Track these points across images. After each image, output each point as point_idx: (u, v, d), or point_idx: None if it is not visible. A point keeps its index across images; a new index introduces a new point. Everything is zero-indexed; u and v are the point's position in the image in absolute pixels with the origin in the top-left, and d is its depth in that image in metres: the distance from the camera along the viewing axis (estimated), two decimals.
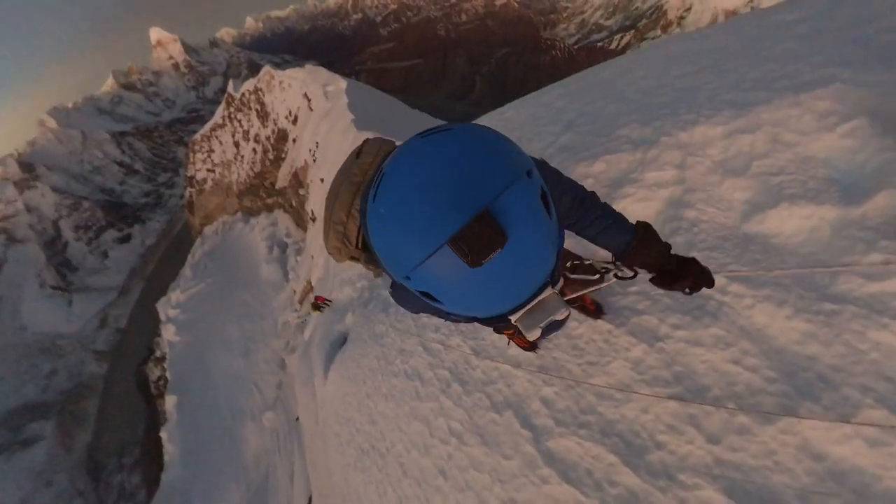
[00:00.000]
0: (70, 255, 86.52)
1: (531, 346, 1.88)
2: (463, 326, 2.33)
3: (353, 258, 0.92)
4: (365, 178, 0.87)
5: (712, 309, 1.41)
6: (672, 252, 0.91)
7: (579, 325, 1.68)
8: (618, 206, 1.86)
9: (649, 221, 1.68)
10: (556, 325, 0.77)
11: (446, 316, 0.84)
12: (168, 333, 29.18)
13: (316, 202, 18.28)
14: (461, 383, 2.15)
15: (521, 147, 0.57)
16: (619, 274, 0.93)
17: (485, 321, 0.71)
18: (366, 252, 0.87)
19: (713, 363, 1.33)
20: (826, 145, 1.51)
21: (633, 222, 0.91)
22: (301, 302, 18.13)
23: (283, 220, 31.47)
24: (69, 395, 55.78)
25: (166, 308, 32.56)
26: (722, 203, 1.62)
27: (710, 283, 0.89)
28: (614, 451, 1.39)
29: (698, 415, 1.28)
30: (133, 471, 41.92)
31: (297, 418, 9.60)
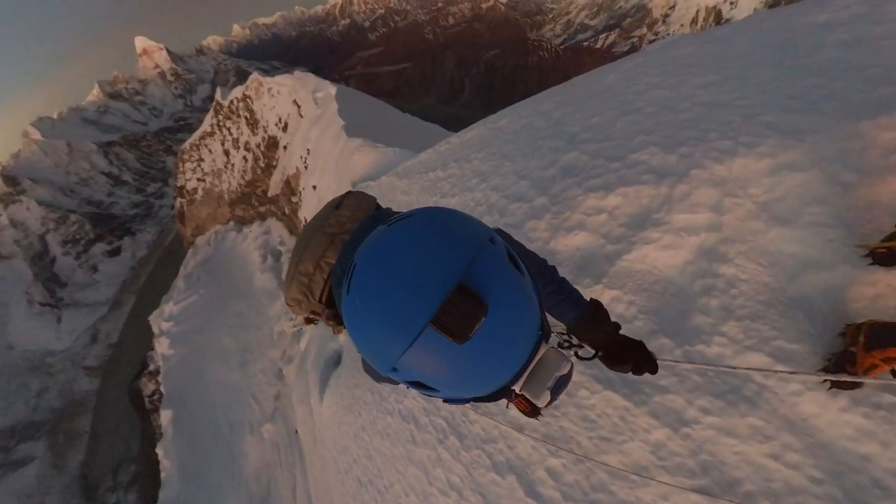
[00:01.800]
0: (58, 269, 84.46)
1: (534, 412, 1.77)
2: None
3: (313, 313, 0.88)
4: (341, 230, 0.85)
5: (751, 393, 1.21)
6: (621, 332, 0.93)
7: (591, 396, 1.53)
8: (640, 252, 1.66)
9: (677, 271, 1.54)
10: (564, 382, 0.71)
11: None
12: (161, 347, 28.58)
13: (309, 209, 18.04)
14: (459, 436, 2.01)
15: (479, 220, 0.57)
16: (580, 353, 0.96)
17: (487, 398, 0.68)
18: (329, 308, 0.84)
19: (747, 455, 1.15)
20: (894, 189, 1.23)
21: (588, 300, 0.94)
22: None
23: (277, 228, 31.09)
24: (60, 413, 54.28)
25: (159, 321, 31.91)
26: (765, 258, 1.34)
27: (653, 370, 0.93)
28: None
29: None
30: (129, 489, 40.87)
31: (297, 431, 9.36)
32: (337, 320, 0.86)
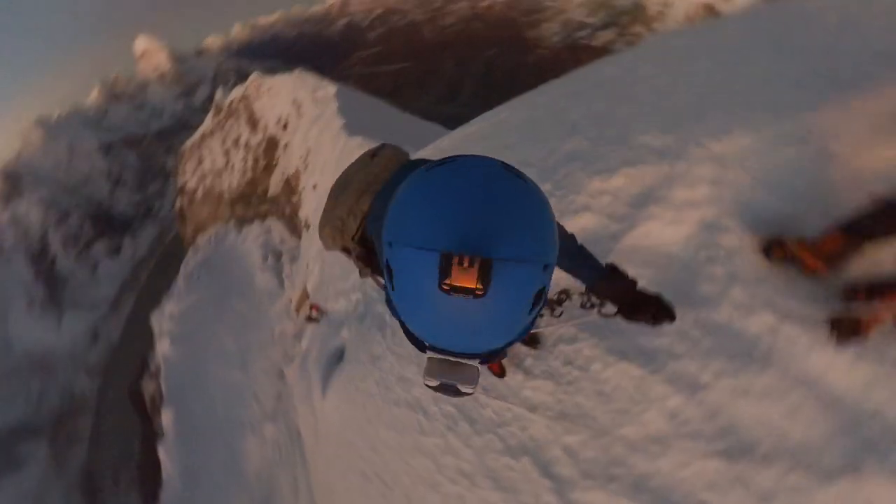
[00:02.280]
0: (58, 269, 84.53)
1: (501, 373, 1.85)
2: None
3: (345, 249, 0.93)
4: (374, 181, 0.88)
5: (761, 353, 1.27)
6: (639, 288, 1.00)
7: (605, 369, 1.55)
8: (644, 229, 1.74)
9: (681, 245, 1.65)
10: (453, 392, 0.70)
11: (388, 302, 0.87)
12: (162, 347, 28.56)
13: (309, 209, 18.04)
14: (469, 422, 2.00)
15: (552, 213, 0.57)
16: (603, 311, 1.03)
17: (408, 334, 0.70)
18: (360, 247, 0.88)
19: (763, 416, 1.20)
20: (882, 159, 1.34)
21: (605, 263, 1.01)
22: (297, 310, 17.84)
23: (277, 227, 31.08)
24: (61, 413, 54.33)
25: (160, 321, 31.89)
26: (763, 226, 1.48)
27: (671, 317, 0.98)
28: None
29: (746, 473, 1.16)
30: (130, 490, 40.87)
31: (299, 430, 9.36)
32: (365, 261, 0.89)
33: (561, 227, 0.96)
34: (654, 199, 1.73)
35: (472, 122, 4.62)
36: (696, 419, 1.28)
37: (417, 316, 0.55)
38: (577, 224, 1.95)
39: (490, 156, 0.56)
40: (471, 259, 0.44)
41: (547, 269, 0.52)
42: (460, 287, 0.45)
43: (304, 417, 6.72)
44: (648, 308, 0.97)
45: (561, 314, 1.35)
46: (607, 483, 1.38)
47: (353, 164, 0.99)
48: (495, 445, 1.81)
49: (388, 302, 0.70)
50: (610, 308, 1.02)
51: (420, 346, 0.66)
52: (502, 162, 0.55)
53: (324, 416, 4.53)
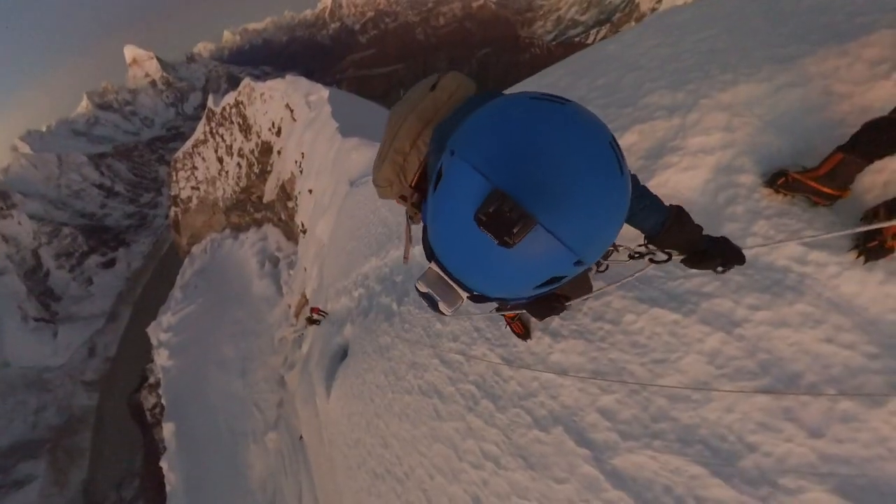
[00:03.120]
0: (52, 284, 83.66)
1: (526, 334, 1.82)
2: (488, 334, 2.11)
3: (401, 197, 0.85)
4: (437, 115, 0.81)
5: (793, 282, 1.24)
6: (705, 233, 0.92)
7: (637, 319, 1.48)
8: (661, 178, 1.72)
9: (699, 191, 1.63)
10: (433, 306, 0.72)
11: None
12: (161, 358, 28.29)
13: (305, 214, 17.95)
14: (492, 398, 1.90)
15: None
16: (653, 258, 0.93)
17: (426, 248, 0.71)
18: (418, 192, 0.82)
19: (803, 345, 1.15)
20: (883, 94, 1.37)
21: (669, 205, 0.91)
22: (297, 316, 17.72)
23: (273, 233, 30.93)
24: (60, 430, 53.63)
25: (157, 332, 31.60)
26: (778, 163, 1.46)
27: (741, 260, 0.91)
28: (698, 461, 1.20)
29: (794, 407, 1.11)
30: None
31: (301, 437, 9.26)
32: (421, 209, 0.81)
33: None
34: (670, 150, 1.72)
35: None
36: (736, 357, 1.23)
37: (441, 227, 0.54)
38: None
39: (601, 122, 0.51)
40: (519, 211, 0.42)
41: (578, 265, 0.50)
42: (492, 227, 0.43)
43: (307, 420, 6.61)
44: (717, 253, 0.90)
45: (606, 269, 1.26)
46: (651, 441, 1.30)
47: (407, 95, 0.89)
48: (523, 419, 1.72)
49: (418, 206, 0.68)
50: (661, 255, 0.91)
51: (429, 253, 0.66)
52: (613, 138, 0.51)
53: (329, 418, 4.42)
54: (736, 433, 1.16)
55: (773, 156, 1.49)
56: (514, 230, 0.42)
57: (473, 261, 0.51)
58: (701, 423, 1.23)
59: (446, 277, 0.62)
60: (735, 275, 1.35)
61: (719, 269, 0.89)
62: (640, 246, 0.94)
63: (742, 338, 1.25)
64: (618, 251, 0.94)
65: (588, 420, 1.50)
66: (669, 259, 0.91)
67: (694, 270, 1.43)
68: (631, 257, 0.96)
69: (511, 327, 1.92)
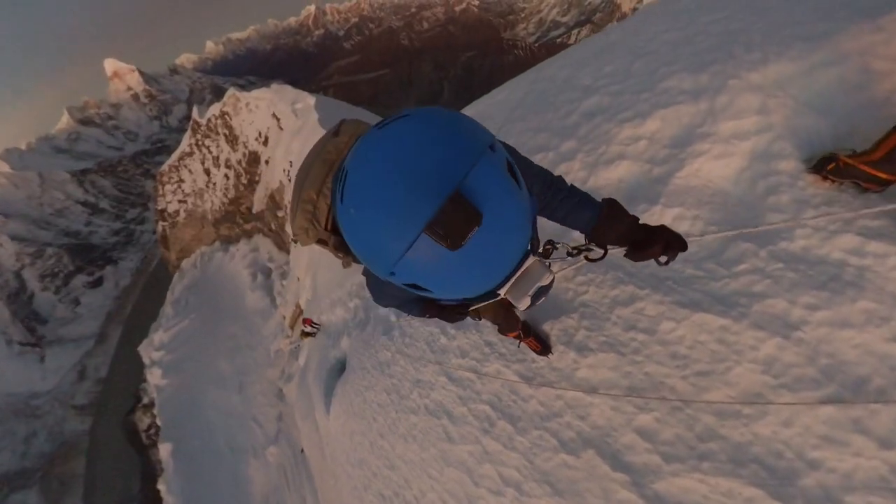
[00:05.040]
0: (37, 306, 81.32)
1: (545, 350, 1.73)
2: (502, 349, 1.94)
3: (321, 241, 0.88)
4: (339, 156, 0.83)
5: (851, 277, 1.13)
6: (641, 223, 0.92)
7: (677, 326, 1.35)
8: (692, 168, 1.59)
9: (733, 180, 1.50)
10: (544, 291, 0.76)
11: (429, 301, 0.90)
12: (154, 378, 27.56)
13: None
14: (510, 420, 1.75)
15: (481, 125, 0.56)
16: (590, 255, 0.93)
17: (476, 299, 0.72)
18: (335, 235, 0.84)
19: (869, 346, 1.05)
20: None
21: (601, 199, 0.93)
22: (292, 327, 17.41)
23: (264, 244, 30.48)
24: (52, 458, 51.93)
25: (149, 351, 30.83)
26: (822, 147, 1.36)
27: (683, 247, 0.90)
28: (753, 483, 1.09)
29: (862, 416, 1.00)
30: None
31: (302, 450, 9.00)
32: (344, 249, 0.84)
33: (545, 171, 0.89)
34: (699, 136, 1.59)
35: (465, 109, 4.45)
36: (795, 364, 1.11)
37: (466, 281, 0.54)
38: (615, 174, 1.81)
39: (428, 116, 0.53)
40: (446, 206, 0.44)
41: (493, 147, 0.51)
42: (464, 231, 0.45)
43: (308, 435, 6.38)
44: (657, 240, 0.88)
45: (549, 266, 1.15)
46: (699, 463, 1.17)
47: (313, 146, 0.92)
48: (547, 443, 1.57)
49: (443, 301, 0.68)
50: (596, 252, 0.91)
51: (493, 296, 0.69)
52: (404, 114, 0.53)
53: (330, 435, 4.21)
54: (795, 449, 1.05)
55: (813, 140, 1.37)
56: (467, 213, 0.45)
57: (493, 248, 0.52)
58: (754, 440, 1.12)
59: (516, 275, 0.65)
60: (787, 271, 1.23)
61: (662, 258, 0.88)
62: (579, 245, 0.93)
63: (801, 342, 1.12)
64: (556, 249, 0.88)
65: (623, 441, 1.36)
66: (605, 255, 0.90)
67: (741, 268, 1.35)
68: (569, 254, 0.93)
69: (525, 345, 1.79)
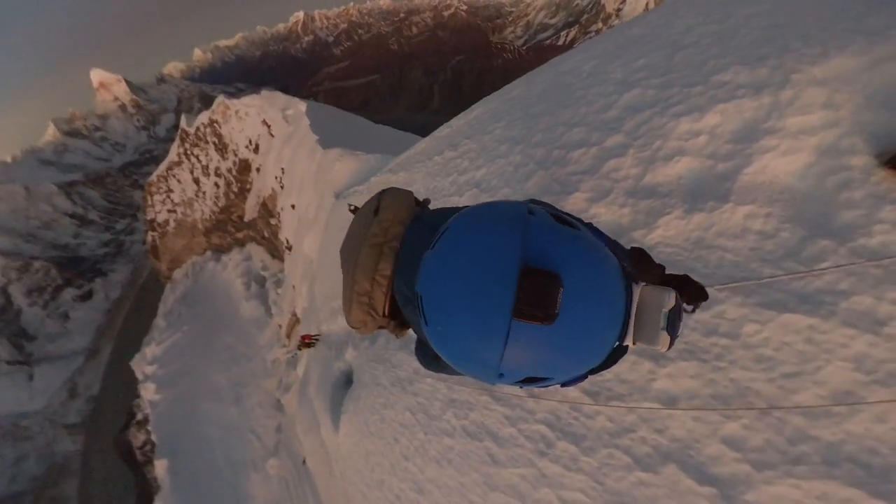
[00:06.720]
0: (25, 322, 79.11)
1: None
2: None
3: (380, 328, 0.88)
4: (387, 237, 0.82)
5: None
6: (668, 272, 0.95)
7: (762, 328, 1.29)
8: (760, 164, 1.51)
9: (798, 176, 1.47)
10: (677, 316, 0.64)
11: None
12: (148, 393, 26.86)
13: (289, 230, 17.42)
14: (573, 439, 1.65)
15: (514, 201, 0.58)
16: None
17: (604, 366, 0.64)
18: (394, 319, 0.83)
19: None
20: None
21: (628, 248, 0.93)
22: (289, 336, 17.06)
23: (257, 252, 30.00)
24: (43, 480, 50.35)
25: (142, 365, 30.07)
26: (892, 141, 1.32)
27: (704, 297, 0.92)
28: (850, 483, 1.07)
29: None
30: None
31: (304, 461, 8.73)
32: (403, 327, 0.85)
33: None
34: (766, 132, 1.55)
35: (473, 107, 4.32)
36: (887, 360, 1.10)
37: (583, 351, 0.51)
38: (674, 171, 1.74)
39: (516, 200, 0.56)
40: (521, 284, 0.45)
41: (531, 211, 0.53)
42: (552, 298, 0.44)
43: (312, 450, 6.14)
44: (684, 290, 0.89)
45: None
46: (792, 468, 1.15)
47: (353, 223, 0.90)
48: (618, 461, 1.49)
49: (568, 383, 0.59)
50: None
51: (623, 351, 0.62)
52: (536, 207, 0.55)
53: (339, 452, 3.99)
54: (890, 444, 1.04)
55: (882, 135, 1.33)
56: (549, 302, 0.44)
57: (583, 326, 0.50)
58: (846, 439, 1.10)
59: (632, 321, 0.59)
60: (871, 268, 1.20)
61: (688, 307, 0.87)
62: None
63: (891, 337, 1.11)
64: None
65: (708, 453, 1.30)
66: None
67: (822, 265, 1.28)
68: None
69: None
